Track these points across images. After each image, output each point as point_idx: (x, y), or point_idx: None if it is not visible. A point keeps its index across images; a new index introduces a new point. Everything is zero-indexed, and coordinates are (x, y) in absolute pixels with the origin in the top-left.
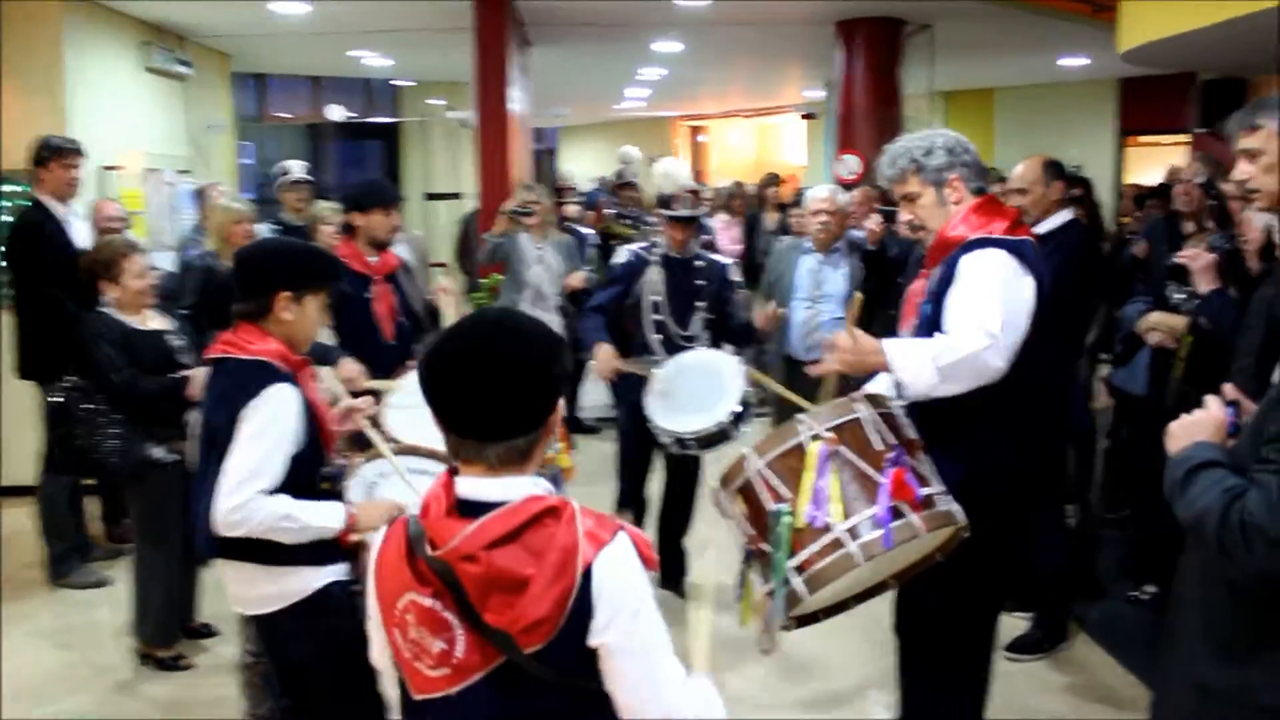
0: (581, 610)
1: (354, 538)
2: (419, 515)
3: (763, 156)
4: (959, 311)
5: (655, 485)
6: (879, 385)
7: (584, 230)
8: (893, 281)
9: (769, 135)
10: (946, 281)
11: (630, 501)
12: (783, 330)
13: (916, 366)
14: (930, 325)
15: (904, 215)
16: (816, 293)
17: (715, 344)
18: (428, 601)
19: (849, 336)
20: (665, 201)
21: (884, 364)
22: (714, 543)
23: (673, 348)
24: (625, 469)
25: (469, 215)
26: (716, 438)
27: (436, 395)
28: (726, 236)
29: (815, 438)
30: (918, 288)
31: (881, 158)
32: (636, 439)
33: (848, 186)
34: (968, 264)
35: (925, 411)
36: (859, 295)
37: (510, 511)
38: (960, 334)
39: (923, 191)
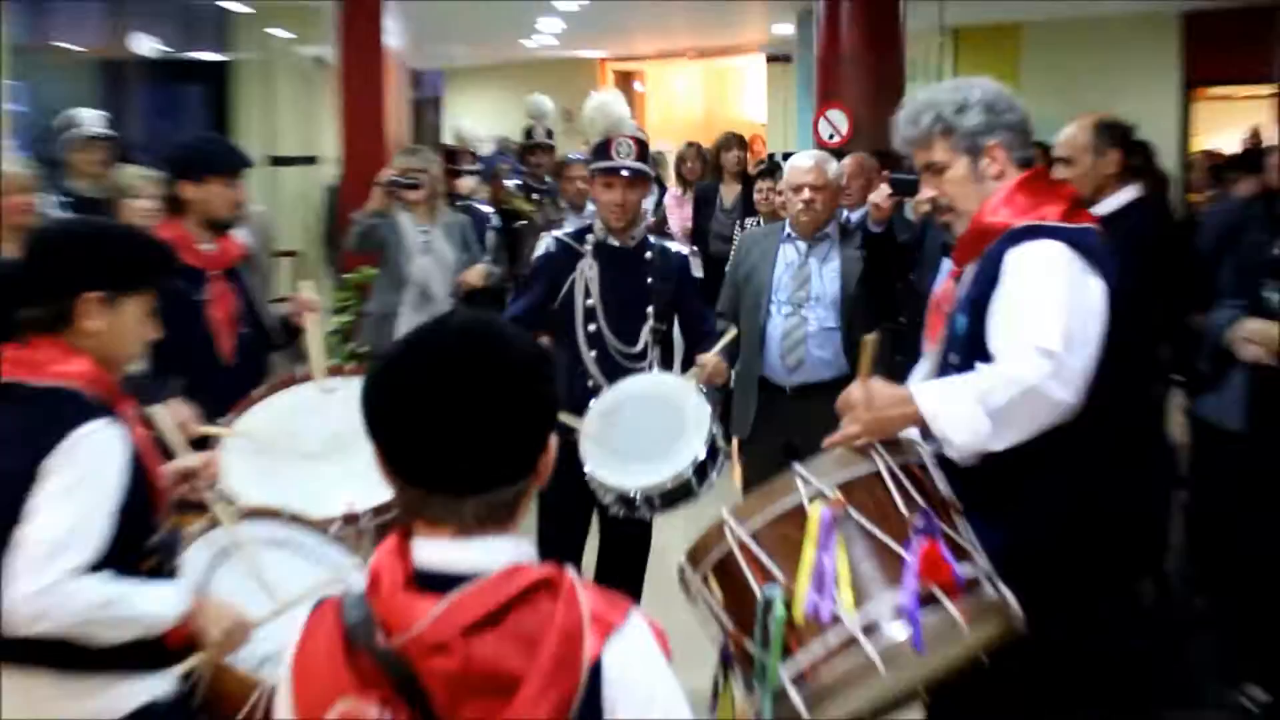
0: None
1: (189, 635)
2: (364, 592)
3: (715, 111)
4: (1007, 327)
5: (589, 558)
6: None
7: (484, 208)
8: (901, 278)
9: (723, 83)
10: (987, 284)
11: None
12: (755, 344)
13: (961, 415)
14: (966, 345)
15: (925, 191)
16: (800, 295)
17: (671, 365)
18: (373, 712)
19: (863, 389)
20: (600, 150)
21: (915, 417)
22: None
23: (613, 371)
24: (547, 539)
25: (329, 188)
26: (676, 495)
27: (392, 436)
28: (675, 216)
29: (818, 497)
30: (945, 292)
31: (899, 113)
32: (563, 497)
33: (833, 152)
34: (1015, 261)
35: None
36: (871, 338)
37: (491, 585)
38: (1012, 360)
39: (952, 161)
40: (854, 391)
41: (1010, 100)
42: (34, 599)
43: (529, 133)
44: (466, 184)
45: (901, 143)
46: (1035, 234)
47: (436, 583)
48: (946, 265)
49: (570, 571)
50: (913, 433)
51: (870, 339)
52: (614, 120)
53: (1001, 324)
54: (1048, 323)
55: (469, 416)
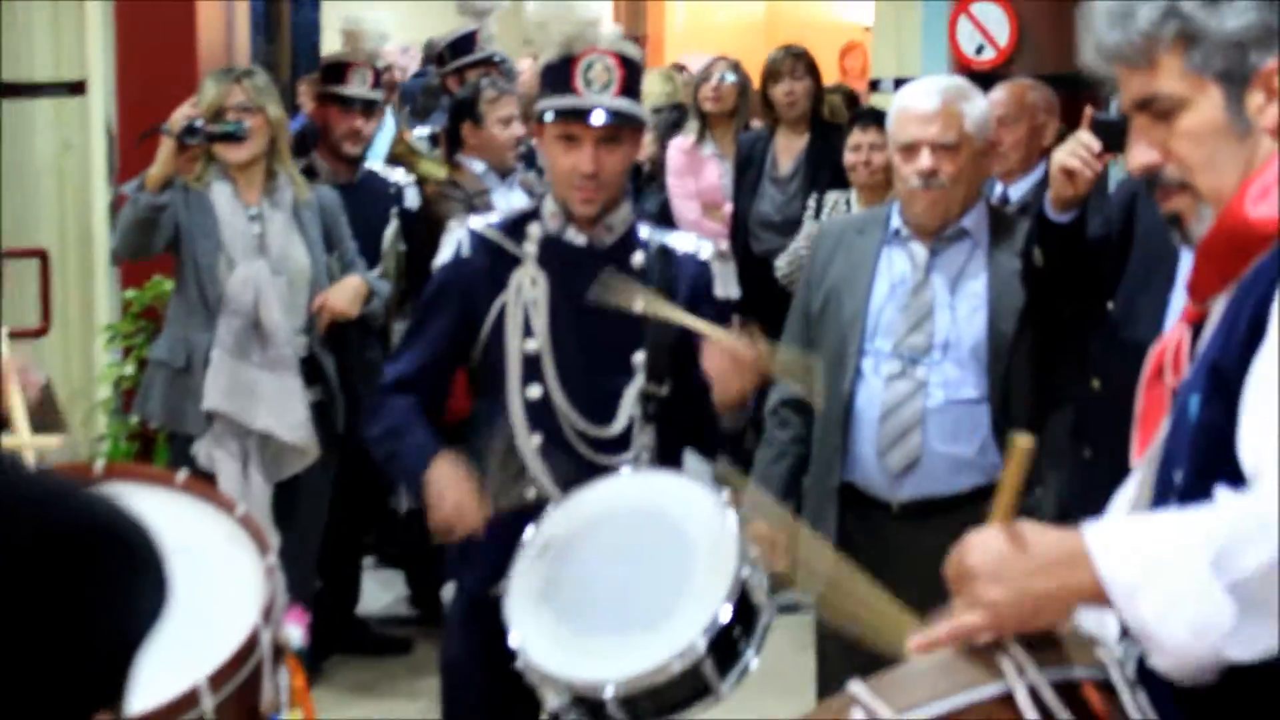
0: None
1: None
2: None
3: (784, 7)
4: (1271, 430)
5: None
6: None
7: (392, 175)
8: (1096, 308)
9: None
10: (1245, 335)
11: None
12: (835, 427)
13: (1181, 591)
14: (1202, 450)
15: (1138, 153)
16: (917, 340)
17: (673, 457)
18: None
19: (998, 539)
20: (554, 75)
21: (1091, 592)
22: None
23: (572, 470)
24: None
25: (112, 135)
26: (677, 694)
27: None
28: (687, 184)
29: None
30: (1171, 347)
31: (1095, 3)
32: (479, 693)
33: (979, 78)
34: None
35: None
36: (1024, 443)
37: None
38: (1270, 488)
39: (1194, 96)
40: (978, 546)
41: None
42: None
43: (463, 42)
44: (357, 125)
45: (1099, 56)
46: None
47: None
48: (1177, 297)
49: None
50: (1093, 621)
51: (1023, 444)
52: (580, 21)
53: (1260, 423)
54: None
55: None
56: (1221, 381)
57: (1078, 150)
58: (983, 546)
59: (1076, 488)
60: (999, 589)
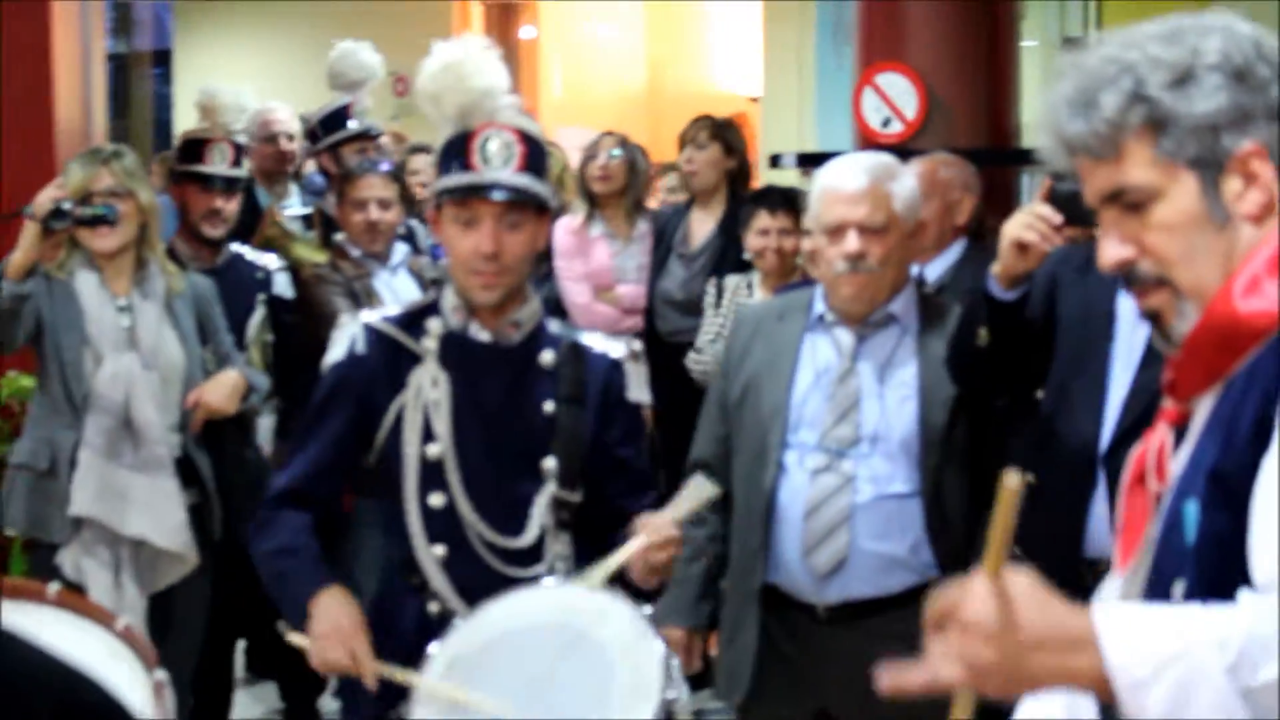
0: None
1: None
2: None
3: (667, 74)
4: None
5: None
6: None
7: (261, 260)
8: (1027, 398)
9: (679, 26)
10: (1246, 437)
11: None
12: (757, 527)
13: (1194, 689)
14: (1206, 558)
15: (1110, 249)
16: (843, 433)
17: (583, 567)
18: None
19: (993, 594)
20: (451, 152)
21: (1092, 677)
22: None
23: (479, 585)
24: None
25: None
26: None
27: None
28: (575, 267)
29: None
30: (1152, 452)
31: (1056, 90)
32: None
33: (895, 151)
34: None
35: None
36: (1013, 483)
37: None
38: None
39: (1167, 186)
40: (979, 598)
41: (1275, 51)
42: None
43: (335, 116)
44: (217, 205)
45: (1061, 148)
46: None
47: None
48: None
49: None
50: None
51: (1011, 484)
52: (476, 92)
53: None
54: None
55: None
56: (1225, 488)
57: (1034, 223)
58: (984, 599)
59: None
60: (993, 652)
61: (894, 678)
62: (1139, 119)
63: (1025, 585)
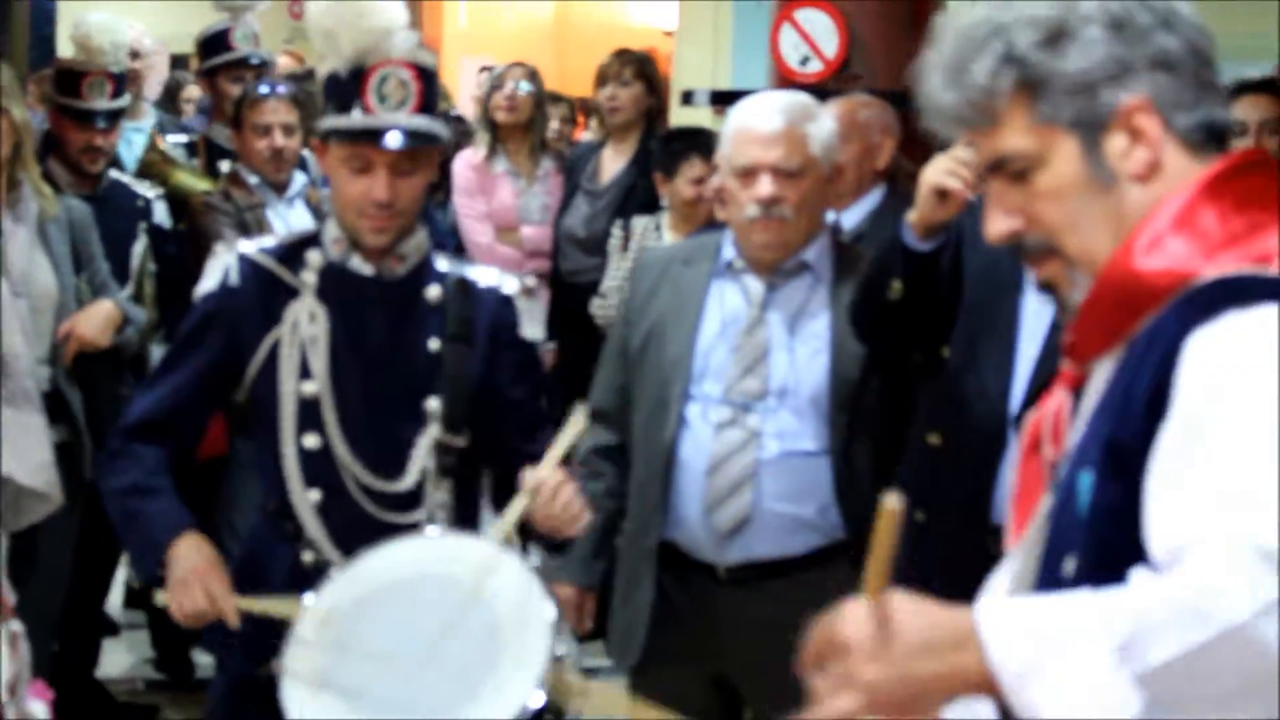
0: None
1: None
2: None
3: (574, 7)
4: (1191, 501)
5: None
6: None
7: (140, 188)
8: (936, 348)
9: None
10: (1143, 404)
11: None
12: (655, 481)
13: (1079, 680)
14: (1099, 533)
15: (997, 221)
16: (749, 385)
17: (471, 517)
18: None
19: (871, 614)
20: (340, 90)
21: (977, 680)
22: None
23: (356, 532)
24: None
25: None
26: None
27: None
28: (491, 201)
29: None
30: (1048, 419)
31: (931, 57)
32: None
33: (813, 91)
34: (1208, 356)
35: None
36: (894, 503)
37: None
38: (1201, 571)
39: (1047, 151)
40: (853, 619)
41: (1168, 4)
42: None
43: (215, 39)
44: (96, 142)
45: (940, 121)
46: (1248, 295)
47: None
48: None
49: None
50: (979, 711)
51: (892, 505)
52: (374, 31)
53: (1177, 492)
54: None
55: None
56: (1121, 459)
57: (956, 169)
58: (858, 619)
59: (907, 554)
60: (877, 668)
61: None
62: (1011, 83)
63: (903, 600)
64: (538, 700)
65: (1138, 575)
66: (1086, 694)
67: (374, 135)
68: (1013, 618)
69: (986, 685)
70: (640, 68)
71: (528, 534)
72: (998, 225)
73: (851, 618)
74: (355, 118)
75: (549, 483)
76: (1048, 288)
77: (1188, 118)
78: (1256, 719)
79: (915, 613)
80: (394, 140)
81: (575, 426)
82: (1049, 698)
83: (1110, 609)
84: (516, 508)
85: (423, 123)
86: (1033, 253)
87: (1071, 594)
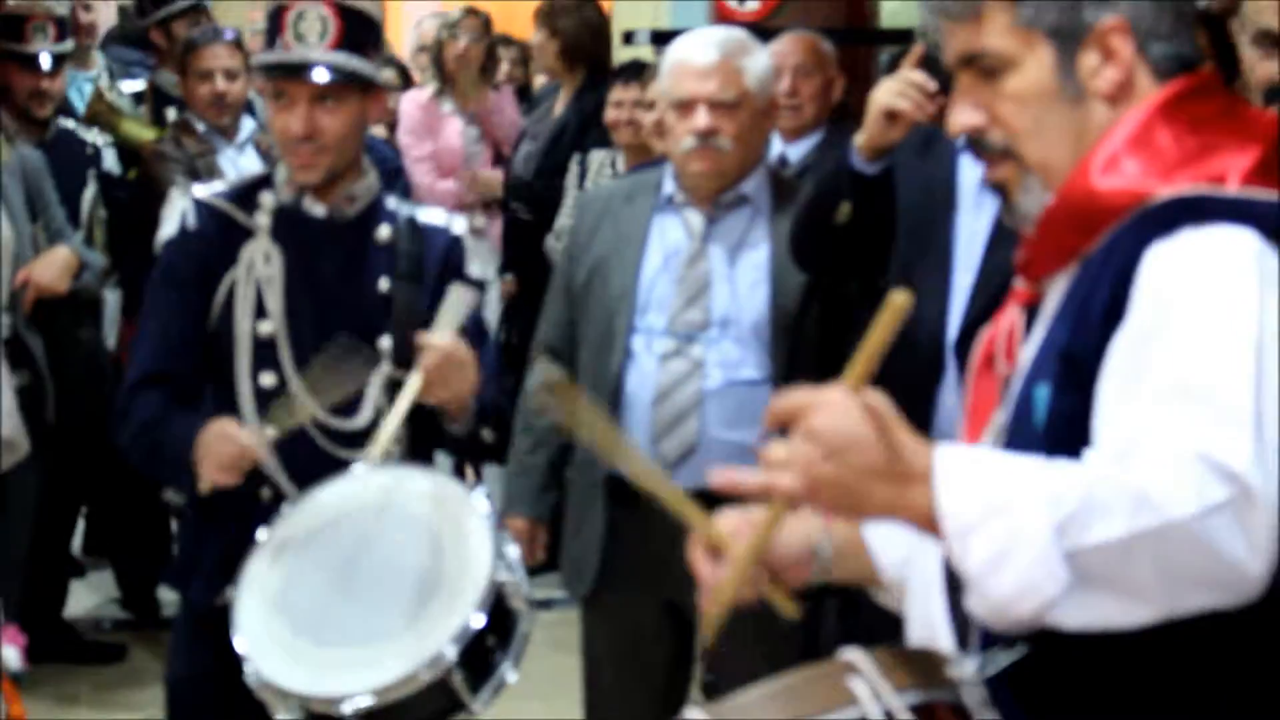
0: None
1: None
2: None
3: None
4: (1144, 410)
5: None
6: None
7: (87, 136)
8: (873, 274)
9: None
10: (1098, 318)
11: None
12: (603, 408)
13: (1016, 543)
14: (1056, 442)
15: (961, 114)
16: (692, 316)
17: (424, 452)
18: None
19: (844, 401)
20: (268, 27)
21: (916, 513)
22: None
23: (309, 466)
24: None
25: None
26: (424, 710)
27: None
28: (437, 141)
29: None
30: (1002, 334)
31: None
32: (211, 716)
33: (752, 29)
34: (1163, 271)
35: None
36: (901, 298)
37: None
38: (1150, 470)
39: (1022, 55)
40: (832, 410)
41: None
42: None
43: None
44: (43, 87)
45: (926, 8)
46: (1203, 213)
47: None
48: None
49: None
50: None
51: (900, 300)
52: None
53: (1127, 393)
54: (1232, 406)
55: None
56: (1076, 370)
57: (906, 90)
58: (836, 414)
59: None
60: (832, 468)
61: (727, 478)
62: None
63: (880, 408)
64: (479, 621)
65: (1093, 456)
66: (1021, 559)
67: (290, 70)
68: (970, 469)
69: (927, 524)
70: (549, 20)
71: (434, 424)
72: (961, 118)
73: (830, 405)
74: (274, 53)
75: (440, 346)
76: (998, 188)
77: (1162, 47)
78: (1182, 614)
79: (886, 433)
80: (312, 74)
81: (461, 300)
82: (984, 555)
83: (1061, 482)
84: (404, 399)
85: (342, 58)
86: (990, 152)
87: (1027, 460)
